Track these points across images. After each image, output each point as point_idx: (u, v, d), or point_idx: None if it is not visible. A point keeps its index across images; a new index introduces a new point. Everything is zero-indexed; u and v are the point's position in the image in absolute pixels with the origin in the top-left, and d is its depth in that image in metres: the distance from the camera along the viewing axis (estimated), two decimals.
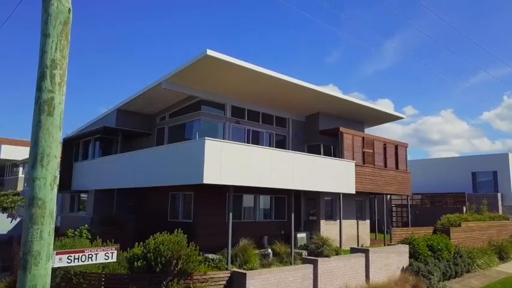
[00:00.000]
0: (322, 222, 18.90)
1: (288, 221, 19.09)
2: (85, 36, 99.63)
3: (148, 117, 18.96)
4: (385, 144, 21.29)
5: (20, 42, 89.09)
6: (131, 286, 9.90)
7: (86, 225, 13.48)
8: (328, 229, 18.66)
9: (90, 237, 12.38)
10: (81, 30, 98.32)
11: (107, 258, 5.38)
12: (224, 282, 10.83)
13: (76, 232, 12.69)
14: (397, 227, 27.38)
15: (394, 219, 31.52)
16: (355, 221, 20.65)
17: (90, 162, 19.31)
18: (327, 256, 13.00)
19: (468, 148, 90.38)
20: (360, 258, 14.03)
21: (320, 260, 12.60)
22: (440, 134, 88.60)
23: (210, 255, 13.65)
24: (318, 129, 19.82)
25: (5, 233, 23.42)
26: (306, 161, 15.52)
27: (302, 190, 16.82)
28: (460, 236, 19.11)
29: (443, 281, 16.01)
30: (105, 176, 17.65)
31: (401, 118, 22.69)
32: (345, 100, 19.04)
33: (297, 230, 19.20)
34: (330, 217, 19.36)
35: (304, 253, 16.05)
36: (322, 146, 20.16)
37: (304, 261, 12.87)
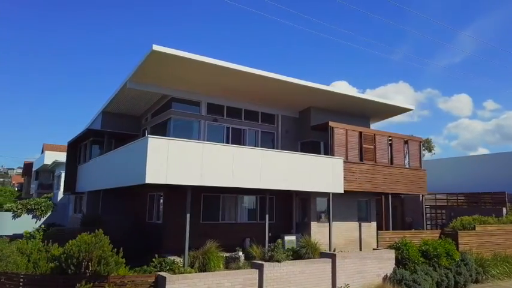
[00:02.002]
0: (314, 224, 17.57)
1: (277, 222, 18.23)
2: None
3: (136, 119, 19.03)
4: (390, 139, 19.41)
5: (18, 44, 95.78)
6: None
7: (43, 226, 13.70)
8: (320, 231, 17.32)
9: (41, 237, 12.51)
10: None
11: None
12: (148, 286, 10.29)
13: (32, 233, 12.89)
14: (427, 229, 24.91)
15: (428, 221, 28.92)
16: (356, 223, 18.98)
17: (85, 165, 19.82)
18: (278, 261, 11.92)
19: None
20: (324, 264, 12.75)
21: (267, 264, 11.59)
22: None
23: (172, 257, 13.23)
24: (310, 125, 18.57)
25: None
26: (279, 158, 14.52)
27: (293, 190, 15.92)
28: (471, 240, 16.75)
29: None
30: (92, 178, 17.99)
31: (410, 110, 20.52)
32: (336, 93, 17.61)
33: (289, 232, 18.16)
34: (324, 219, 17.98)
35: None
36: (322, 143, 18.87)
37: (253, 265, 11.92)
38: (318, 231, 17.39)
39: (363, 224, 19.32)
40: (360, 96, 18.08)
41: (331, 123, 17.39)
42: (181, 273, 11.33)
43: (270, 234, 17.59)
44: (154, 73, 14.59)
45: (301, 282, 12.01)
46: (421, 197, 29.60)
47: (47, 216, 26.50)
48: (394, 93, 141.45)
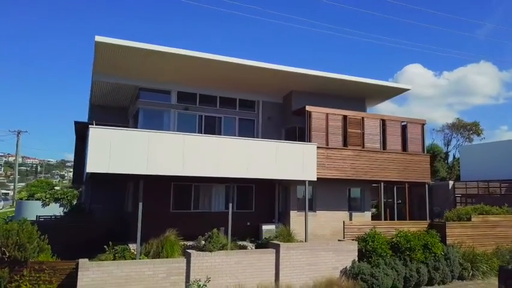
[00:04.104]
0: (293, 214, 16.85)
1: (257, 211, 17.78)
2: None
3: (124, 110, 19.49)
4: (383, 122, 17.92)
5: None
6: None
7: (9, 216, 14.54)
8: (300, 221, 16.49)
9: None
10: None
11: None
12: (68, 272, 10.54)
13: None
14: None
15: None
16: (347, 212, 17.88)
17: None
18: (210, 250, 11.60)
19: None
20: (265, 255, 12.16)
21: (195, 253, 11.35)
22: None
23: (132, 245, 13.47)
24: (291, 110, 17.75)
25: None
26: (238, 145, 14.04)
27: (256, 178, 15.35)
28: (464, 233, 14.93)
29: None
30: (84, 168, 18.83)
31: (407, 90, 18.62)
32: (316, 76, 16.54)
33: (271, 221, 17.64)
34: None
35: (250, 246, 14.70)
36: None
37: (186, 254, 11.71)
38: (298, 221, 16.64)
39: (354, 213, 18.17)
40: (340, 77, 16.79)
41: (307, 107, 16.49)
42: (131, 258, 11.54)
43: (248, 224, 17.34)
44: (116, 64, 14.79)
45: (237, 273, 11.57)
46: (450, 185, 27.38)
47: (73, 205, 28.39)
48: (475, 74, 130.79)
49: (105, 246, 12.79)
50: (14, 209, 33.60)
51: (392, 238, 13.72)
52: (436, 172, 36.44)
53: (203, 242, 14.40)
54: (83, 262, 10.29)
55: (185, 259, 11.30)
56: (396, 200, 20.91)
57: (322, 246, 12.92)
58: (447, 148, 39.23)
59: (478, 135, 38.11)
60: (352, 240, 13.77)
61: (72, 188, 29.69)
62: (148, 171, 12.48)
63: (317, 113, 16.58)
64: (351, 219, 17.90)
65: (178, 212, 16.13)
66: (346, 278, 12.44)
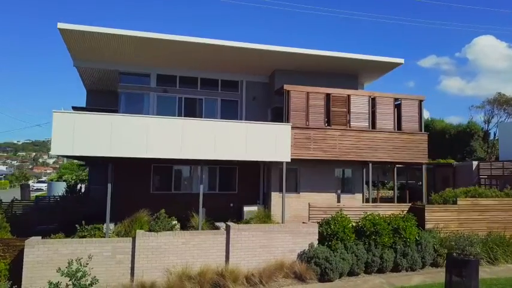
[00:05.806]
0: (274, 195, 16.55)
1: (240, 192, 17.71)
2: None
3: (117, 94, 20.06)
4: (373, 99, 16.88)
5: None
6: None
7: None
8: (281, 202, 16.28)
9: None
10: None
11: None
12: (21, 248, 11.22)
13: None
14: None
15: None
16: (334, 194, 17.25)
17: None
18: (156, 231, 11.77)
19: None
20: (214, 236, 12.10)
21: (140, 233, 11.59)
22: None
23: (104, 225, 14.07)
24: (274, 90, 17.26)
25: None
26: (204, 127, 14.00)
27: (225, 160, 15.23)
28: (446, 216, 13.80)
29: (361, 274, 12.29)
30: None
31: (400, 64, 17.23)
32: (299, 54, 15.93)
33: (255, 203, 17.52)
34: (290, 189, 16.71)
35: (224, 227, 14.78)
36: None
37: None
38: (279, 202, 16.35)
39: (344, 195, 17.48)
40: (323, 54, 15.92)
41: (286, 86, 15.95)
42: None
43: (232, 205, 17.39)
44: (91, 50, 15.21)
45: (184, 254, 11.67)
46: (474, 166, 25.39)
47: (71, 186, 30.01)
48: None
49: (76, 226, 13.48)
50: None
51: (363, 221, 13.04)
52: (473, 152, 33.90)
53: (174, 222, 14.70)
54: (30, 240, 10.90)
55: (131, 239, 11.56)
56: (396, 181, 19.83)
57: (279, 228, 12.61)
58: (488, 126, 36.21)
59: None
60: (318, 223, 13.30)
61: None
62: (112, 153, 12.83)
63: (296, 91, 15.98)
64: (338, 201, 17.27)
65: (158, 193, 16.51)
66: (301, 262, 12.08)
